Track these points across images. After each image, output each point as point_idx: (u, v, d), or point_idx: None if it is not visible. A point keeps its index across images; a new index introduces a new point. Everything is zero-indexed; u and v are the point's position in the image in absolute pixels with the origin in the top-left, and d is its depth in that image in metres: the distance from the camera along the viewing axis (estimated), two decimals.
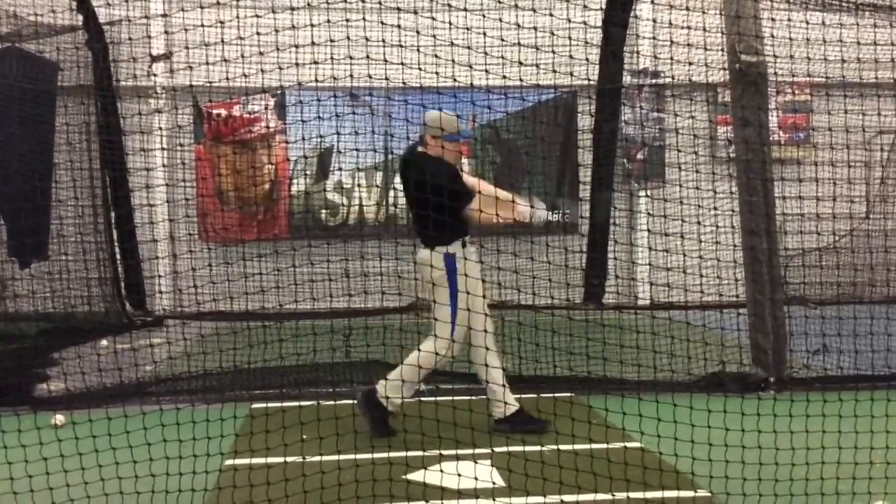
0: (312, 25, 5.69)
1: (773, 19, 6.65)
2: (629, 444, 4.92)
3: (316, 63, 5.96)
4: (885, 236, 7.88)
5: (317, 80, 6.38)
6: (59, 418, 5.81)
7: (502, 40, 5.47)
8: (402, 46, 5.34)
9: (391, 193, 12.25)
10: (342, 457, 4.52)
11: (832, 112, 6.37)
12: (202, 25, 6.23)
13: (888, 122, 7.43)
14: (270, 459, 4.47)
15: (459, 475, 4.33)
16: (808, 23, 6.19)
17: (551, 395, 5.73)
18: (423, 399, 5.27)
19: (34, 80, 8.96)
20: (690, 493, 4.35)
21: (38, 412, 5.95)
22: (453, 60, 5.36)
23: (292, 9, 6.35)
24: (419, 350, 5.36)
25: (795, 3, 7.51)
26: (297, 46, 6.02)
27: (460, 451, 4.59)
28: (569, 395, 6.10)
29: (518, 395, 5.70)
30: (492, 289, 5.85)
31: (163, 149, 10.19)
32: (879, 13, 7.52)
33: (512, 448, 4.65)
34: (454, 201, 5.31)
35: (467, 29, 5.47)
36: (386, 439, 5.18)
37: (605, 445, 4.66)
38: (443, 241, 5.42)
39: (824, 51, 6.08)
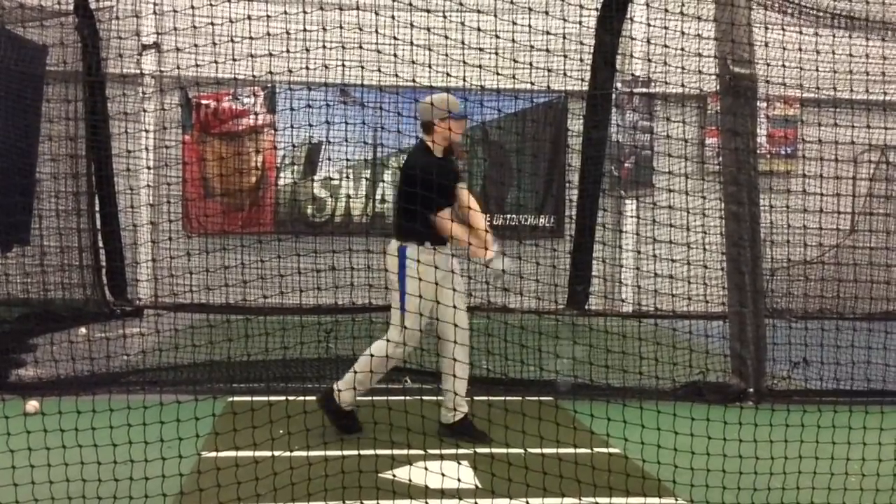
0: (305, 22, 5.67)
1: (766, 27, 6.69)
2: (611, 450, 4.93)
3: (307, 57, 5.94)
4: (870, 252, 7.94)
5: (307, 73, 6.36)
6: (33, 404, 5.75)
7: (497, 36, 5.45)
8: (394, 43, 5.32)
9: (379, 190, 12.22)
10: (329, 452, 4.50)
11: (822, 125, 6.42)
12: (193, 16, 6.20)
13: (876, 138, 7.50)
14: (249, 453, 4.44)
15: (443, 475, 4.32)
16: (801, 32, 6.24)
17: (535, 398, 5.73)
18: (408, 398, 5.25)
19: (21, 63, 8.86)
20: (671, 501, 4.37)
21: (15, 397, 5.88)
22: (447, 62, 5.36)
23: (285, 3, 6.33)
24: (371, 355, 5.26)
25: (789, 13, 7.55)
26: (289, 39, 6.00)
27: (444, 451, 4.59)
28: (552, 398, 6.11)
29: (501, 398, 5.68)
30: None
31: (150, 139, 10.10)
32: (871, 28, 7.58)
33: (495, 450, 4.65)
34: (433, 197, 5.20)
35: (461, 23, 5.45)
36: (371, 436, 5.14)
37: (587, 450, 4.67)
38: (406, 236, 5.30)
39: (817, 65, 6.13)
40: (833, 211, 6.55)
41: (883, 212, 10.48)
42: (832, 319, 7.14)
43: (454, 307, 5.12)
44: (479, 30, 5.45)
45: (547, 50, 5.56)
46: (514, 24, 5.57)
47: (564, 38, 5.74)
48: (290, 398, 5.28)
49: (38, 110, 9.16)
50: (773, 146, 12.21)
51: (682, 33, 5.89)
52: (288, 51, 5.96)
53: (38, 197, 9.20)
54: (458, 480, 4.33)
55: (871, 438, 4.65)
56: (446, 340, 5.23)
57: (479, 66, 5.33)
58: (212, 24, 6.14)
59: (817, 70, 6.13)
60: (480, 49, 5.35)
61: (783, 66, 6.17)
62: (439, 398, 5.51)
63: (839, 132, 6.66)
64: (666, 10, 6.00)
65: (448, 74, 5.47)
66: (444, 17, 5.39)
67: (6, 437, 4.25)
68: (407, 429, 4.55)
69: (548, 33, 5.64)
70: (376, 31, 5.27)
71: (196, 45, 6.28)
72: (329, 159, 11.98)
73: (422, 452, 4.61)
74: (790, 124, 11.93)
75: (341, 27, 5.40)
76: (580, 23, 5.84)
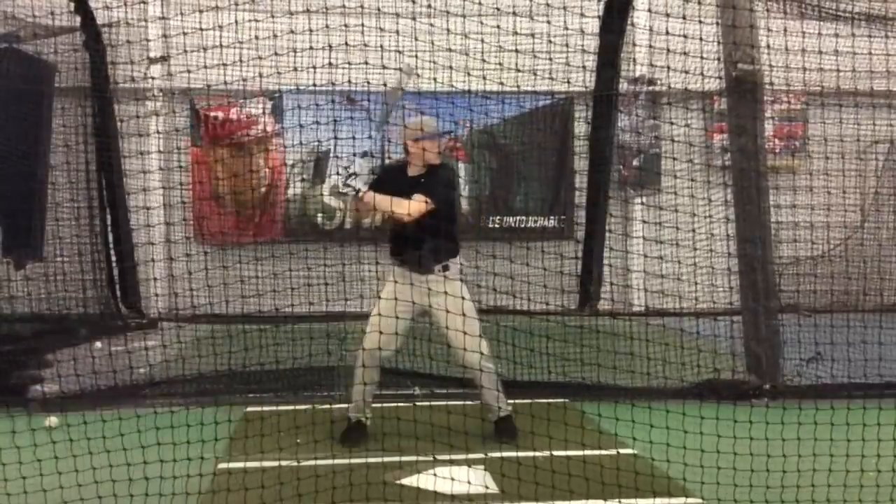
0: (311, 30, 5.71)
1: (769, 29, 6.69)
2: (622, 451, 4.93)
3: (314, 67, 5.98)
4: (879, 246, 7.91)
5: (315, 84, 6.40)
6: (53, 420, 5.80)
7: (500, 47, 5.50)
8: (399, 51, 5.36)
9: None
10: (337, 461, 4.53)
11: (827, 122, 6.41)
12: (200, 29, 6.25)
13: (882, 132, 7.48)
14: (265, 463, 4.48)
15: (453, 479, 4.34)
16: (804, 33, 6.24)
17: (545, 400, 5.74)
18: (417, 403, 5.28)
19: (31, 81, 8.95)
20: (682, 500, 4.36)
21: (32, 413, 5.94)
22: (451, 67, 5.40)
23: (290, 13, 6.37)
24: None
25: (792, 13, 7.55)
26: (294, 50, 6.05)
27: (454, 456, 4.60)
28: (562, 400, 6.13)
29: (512, 401, 5.70)
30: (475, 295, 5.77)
31: (159, 151, 10.18)
32: (874, 23, 7.57)
33: (505, 454, 4.67)
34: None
35: (465, 35, 5.49)
36: (379, 443, 5.17)
37: (598, 451, 4.68)
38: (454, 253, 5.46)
39: (820, 61, 6.13)
40: (841, 205, 6.53)
41: (893, 203, 10.43)
42: (845, 313, 7.11)
43: (463, 315, 5.16)
44: (481, 35, 5.49)
45: (549, 58, 5.59)
46: (517, 32, 5.61)
47: (567, 42, 5.77)
48: (305, 407, 5.32)
49: (49, 128, 9.25)
50: (781, 142, 12.18)
51: (685, 36, 5.90)
52: (295, 55, 6.01)
53: (50, 213, 9.27)
54: (469, 484, 4.35)
55: (886, 434, 4.63)
56: (456, 349, 5.29)
57: (483, 77, 5.37)
58: (220, 35, 6.20)
59: (821, 69, 6.13)
60: (483, 60, 5.39)
61: (786, 66, 6.17)
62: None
63: (846, 127, 6.66)
64: (667, 15, 6.00)
65: (453, 81, 5.50)
66: (448, 30, 5.43)
67: (33, 448, 4.31)
68: (416, 437, 4.58)
69: (550, 38, 5.67)
70: (378, 36, 5.31)
71: (203, 58, 6.33)
72: (337, 168, 12.01)
73: (430, 459, 4.63)
74: (797, 120, 11.89)
75: (345, 28, 5.45)
76: (581, 30, 5.86)
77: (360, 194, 5.21)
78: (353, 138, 5.89)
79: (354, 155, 5.39)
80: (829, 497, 4.29)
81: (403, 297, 5.27)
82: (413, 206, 5.18)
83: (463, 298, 5.28)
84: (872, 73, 6.29)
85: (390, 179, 5.52)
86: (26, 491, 4.21)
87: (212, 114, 11.88)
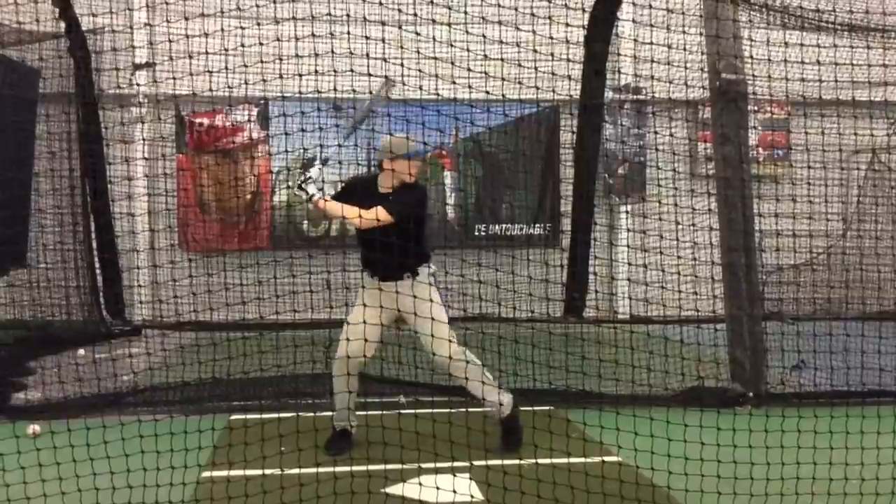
0: (297, 38, 5.71)
1: (752, 39, 6.74)
2: (607, 458, 4.94)
3: (299, 74, 5.98)
4: (861, 254, 7.98)
5: (300, 91, 6.40)
6: (35, 428, 5.76)
7: (485, 56, 5.51)
8: (385, 60, 5.37)
9: None
10: (321, 469, 4.52)
11: (810, 131, 6.46)
12: (186, 35, 6.24)
13: (865, 141, 7.55)
14: (248, 472, 4.46)
15: (438, 488, 4.34)
16: (787, 43, 6.29)
17: (530, 408, 5.75)
18: (402, 412, 5.27)
19: (14, 86, 8.90)
20: None
21: (14, 421, 5.90)
22: (437, 75, 5.41)
23: (277, 20, 6.37)
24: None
25: (775, 23, 7.61)
26: (280, 58, 6.04)
27: (439, 465, 4.60)
28: (547, 408, 6.13)
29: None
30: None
31: (144, 158, 10.14)
32: (856, 34, 7.64)
33: (490, 462, 4.67)
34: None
35: (450, 44, 5.51)
36: (364, 452, 5.16)
37: (583, 459, 4.68)
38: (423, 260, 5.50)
39: (802, 71, 6.17)
40: (824, 214, 6.58)
41: (875, 213, 10.52)
42: (828, 321, 7.17)
43: (431, 318, 5.18)
44: (467, 44, 5.50)
45: (535, 67, 5.61)
46: (502, 41, 5.63)
47: (552, 51, 5.79)
48: (290, 415, 5.31)
49: (33, 134, 9.19)
50: (765, 151, 12.26)
51: (669, 46, 5.94)
52: (280, 63, 6.00)
53: (34, 220, 9.21)
54: (454, 493, 4.35)
55: (869, 442, 4.66)
56: (427, 352, 5.33)
57: (469, 86, 5.39)
58: (205, 42, 6.20)
59: (803, 79, 6.17)
60: (469, 69, 5.41)
61: (768, 77, 6.21)
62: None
63: (829, 136, 6.71)
64: (652, 25, 6.05)
65: (438, 90, 5.52)
66: (434, 39, 5.44)
67: (16, 457, 4.29)
68: (400, 446, 4.58)
69: (535, 47, 5.69)
70: (364, 44, 5.32)
71: (189, 65, 6.33)
72: (322, 175, 11.98)
73: (415, 467, 4.63)
74: (781, 128, 11.98)
75: (331, 37, 5.45)
76: (567, 39, 5.89)
77: (315, 199, 5.25)
78: (339, 146, 5.87)
79: (314, 160, 5.42)
80: None
81: (373, 304, 5.30)
82: (365, 216, 5.21)
83: (431, 301, 5.29)
84: (854, 83, 6.35)
85: (359, 191, 5.55)
86: (9, 499, 4.19)
87: (197, 120, 11.85)
